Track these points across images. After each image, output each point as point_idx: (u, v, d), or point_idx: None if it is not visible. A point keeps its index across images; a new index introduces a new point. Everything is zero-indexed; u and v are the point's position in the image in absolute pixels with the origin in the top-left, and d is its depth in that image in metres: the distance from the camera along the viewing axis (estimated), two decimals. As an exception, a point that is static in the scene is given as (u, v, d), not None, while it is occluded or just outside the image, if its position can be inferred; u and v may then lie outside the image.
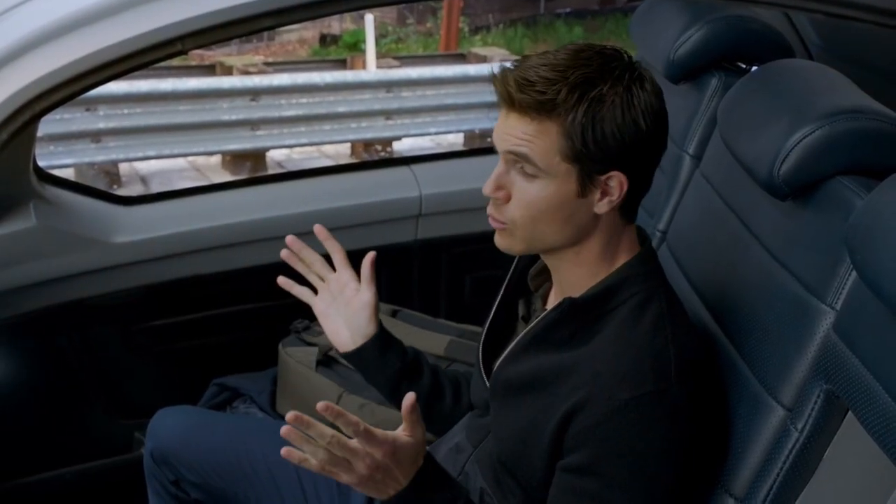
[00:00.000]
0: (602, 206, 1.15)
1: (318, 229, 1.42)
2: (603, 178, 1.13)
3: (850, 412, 1.05)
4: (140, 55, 1.30)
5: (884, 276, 0.95)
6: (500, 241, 1.20)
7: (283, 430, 1.09)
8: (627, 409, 1.09)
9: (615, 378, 1.11)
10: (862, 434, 1.01)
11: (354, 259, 2.26)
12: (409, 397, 1.14)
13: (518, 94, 1.10)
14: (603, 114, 1.10)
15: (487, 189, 1.16)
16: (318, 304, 1.43)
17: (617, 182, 1.14)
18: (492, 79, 1.14)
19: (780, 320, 1.19)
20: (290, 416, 1.09)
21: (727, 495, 1.18)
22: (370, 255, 1.41)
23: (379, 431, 1.12)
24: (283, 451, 1.10)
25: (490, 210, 1.18)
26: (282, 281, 1.43)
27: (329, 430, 1.10)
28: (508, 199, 1.15)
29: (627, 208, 1.18)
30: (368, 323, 1.42)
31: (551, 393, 1.16)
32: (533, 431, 1.17)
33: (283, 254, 1.42)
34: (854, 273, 1.08)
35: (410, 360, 1.46)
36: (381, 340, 1.43)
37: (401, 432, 1.15)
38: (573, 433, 1.12)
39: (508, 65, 1.14)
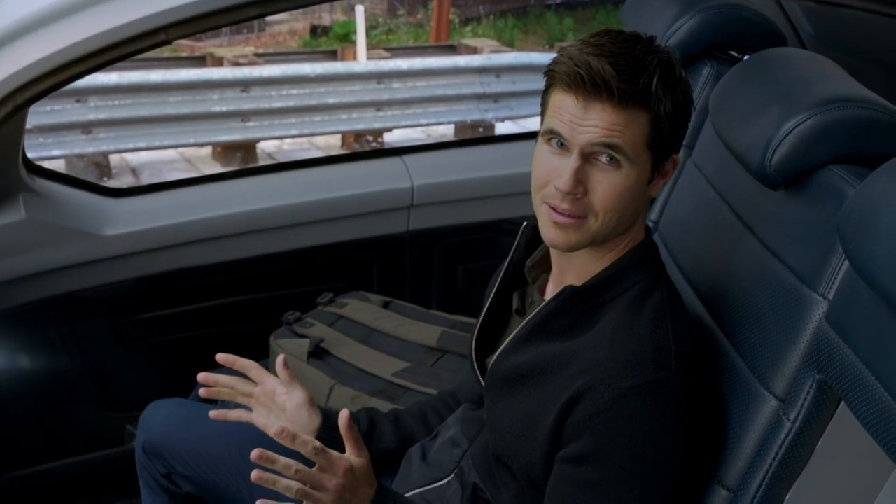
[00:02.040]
0: (655, 189, 1.16)
1: (221, 357, 1.37)
2: (667, 161, 1.15)
3: (842, 402, 1.05)
4: (124, 45, 1.29)
5: (876, 266, 0.95)
6: (564, 238, 1.13)
7: (254, 475, 1.12)
8: (629, 397, 1.08)
9: (616, 366, 1.10)
10: (854, 424, 1.00)
11: (347, 251, 2.27)
12: (343, 417, 1.18)
13: (619, 83, 1.06)
14: (680, 99, 1.11)
15: (567, 186, 1.09)
16: (259, 419, 1.38)
17: (672, 163, 1.16)
18: (569, 69, 1.07)
19: (772, 310, 1.19)
20: (254, 454, 1.11)
21: (720, 486, 1.18)
22: (280, 358, 1.36)
23: (333, 452, 1.17)
24: (254, 476, 1.12)
25: (563, 205, 1.11)
26: (213, 414, 1.39)
27: (292, 462, 1.13)
28: (586, 192, 1.11)
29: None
30: (311, 418, 1.38)
31: (550, 382, 1.15)
32: (531, 422, 1.16)
33: (202, 392, 1.40)
34: (846, 263, 1.08)
35: (366, 430, 1.46)
36: (329, 427, 1.37)
37: (349, 454, 1.19)
38: (573, 422, 1.11)
39: (573, 54, 1.08)
